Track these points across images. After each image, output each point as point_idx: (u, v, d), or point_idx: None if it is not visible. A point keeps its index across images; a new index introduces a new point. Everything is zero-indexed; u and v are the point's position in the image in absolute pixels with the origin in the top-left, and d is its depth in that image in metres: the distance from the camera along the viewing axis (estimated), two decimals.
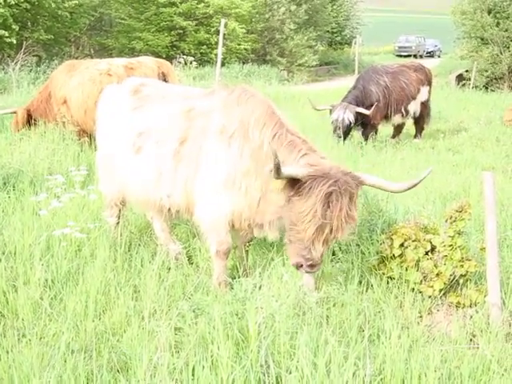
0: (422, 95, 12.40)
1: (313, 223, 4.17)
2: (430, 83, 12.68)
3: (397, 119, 12.19)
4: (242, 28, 25.86)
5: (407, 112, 12.19)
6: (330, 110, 11.39)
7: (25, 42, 18.63)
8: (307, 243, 4.26)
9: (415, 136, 12.80)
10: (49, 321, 4.30)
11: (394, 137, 12.62)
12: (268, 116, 4.67)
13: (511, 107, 14.79)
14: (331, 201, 4.15)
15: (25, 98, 12.46)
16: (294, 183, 4.26)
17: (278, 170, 4.10)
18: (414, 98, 12.21)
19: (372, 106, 11.30)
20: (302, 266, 4.36)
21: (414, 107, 12.29)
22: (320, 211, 4.14)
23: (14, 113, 9.68)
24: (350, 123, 11.12)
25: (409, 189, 4.56)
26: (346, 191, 4.19)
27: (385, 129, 12.93)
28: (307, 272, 4.42)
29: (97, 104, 8.88)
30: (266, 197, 4.60)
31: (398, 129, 12.68)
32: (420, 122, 12.74)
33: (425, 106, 12.53)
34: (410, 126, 13.02)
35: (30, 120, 9.53)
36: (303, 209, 4.20)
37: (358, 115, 11.21)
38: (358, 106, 11.31)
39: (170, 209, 5.17)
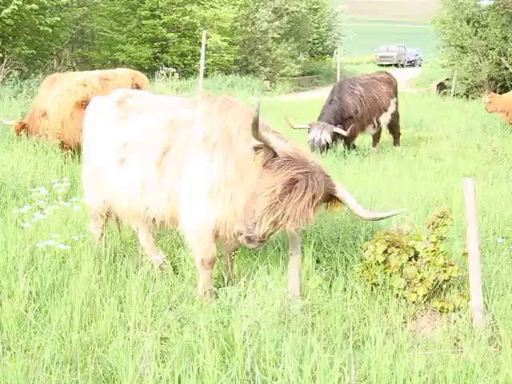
0: (392, 107, 12.79)
1: (267, 199, 4.18)
2: (396, 94, 13.09)
3: (369, 130, 12.46)
4: (224, 41, 25.93)
5: (378, 123, 12.50)
6: (309, 129, 11.35)
7: (6, 56, 18.51)
8: (256, 217, 4.25)
9: (394, 144, 13.11)
10: (33, 333, 4.28)
11: (374, 145, 12.83)
12: None
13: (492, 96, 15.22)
14: (294, 188, 4.16)
15: (6, 111, 12.38)
16: (271, 157, 4.28)
17: (255, 124, 4.10)
18: (385, 110, 12.58)
19: (350, 118, 11.63)
20: (241, 234, 4.36)
21: (385, 119, 12.65)
22: (279, 191, 4.15)
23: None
24: (327, 144, 11.11)
25: (372, 220, 4.69)
26: (313, 188, 4.19)
27: (367, 138, 13.06)
28: (243, 243, 4.42)
29: (73, 116, 9.17)
30: None
31: (376, 136, 12.91)
32: (395, 129, 13.15)
33: (395, 115, 12.91)
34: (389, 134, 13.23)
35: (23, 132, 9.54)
36: (266, 182, 4.22)
37: (335, 134, 11.27)
38: (337, 121, 11.43)
39: (154, 219, 5.18)
